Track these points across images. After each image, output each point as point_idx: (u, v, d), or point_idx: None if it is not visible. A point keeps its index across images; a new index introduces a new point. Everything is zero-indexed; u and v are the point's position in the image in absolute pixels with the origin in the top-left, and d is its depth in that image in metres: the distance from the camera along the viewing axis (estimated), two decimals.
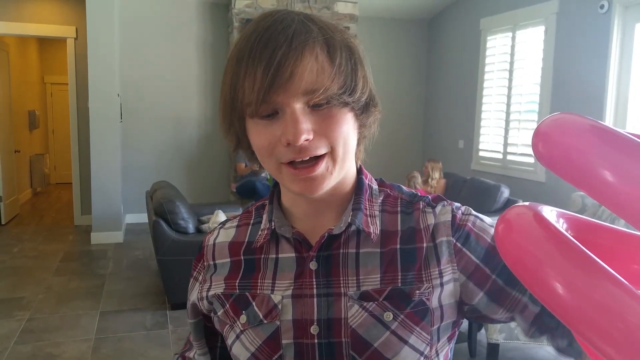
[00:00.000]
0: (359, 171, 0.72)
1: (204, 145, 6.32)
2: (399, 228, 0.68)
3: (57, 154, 9.29)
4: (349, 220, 0.66)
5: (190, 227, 3.65)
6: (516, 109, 5.34)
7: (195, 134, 6.29)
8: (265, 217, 0.73)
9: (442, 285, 0.65)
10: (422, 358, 0.64)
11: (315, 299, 0.66)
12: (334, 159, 0.61)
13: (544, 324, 0.65)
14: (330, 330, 0.65)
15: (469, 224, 0.67)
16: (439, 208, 0.69)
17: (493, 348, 2.62)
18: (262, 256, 0.71)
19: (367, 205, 0.69)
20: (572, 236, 0.24)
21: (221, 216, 3.82)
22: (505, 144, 5.48)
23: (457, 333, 0.71)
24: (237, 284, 0.71)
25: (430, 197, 0.72)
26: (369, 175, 0.74)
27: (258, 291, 0.69)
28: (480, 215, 0.69)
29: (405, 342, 0.63)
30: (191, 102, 6.23)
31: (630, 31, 4.20)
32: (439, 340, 0.66)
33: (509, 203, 4.45)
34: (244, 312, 0.69)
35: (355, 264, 0.67)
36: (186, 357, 0.84)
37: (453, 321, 0.68)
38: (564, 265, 0.22)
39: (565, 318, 0.22)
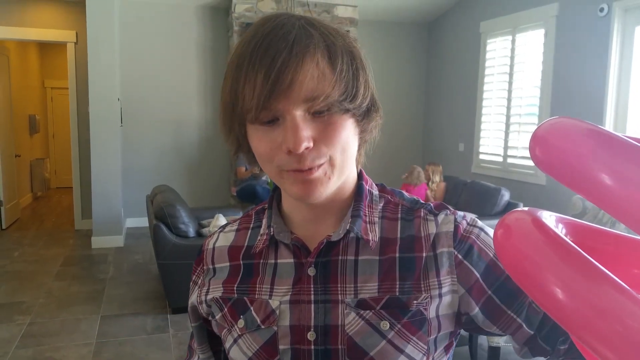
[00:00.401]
0: (359, 176, 0.71)
1: (204, 149, 6.33)
2: (399, 235, 0.68)
3: (58, 158, 9.29)
4: (348, 227, 0.66)
5: (191, 231, 3.65)
6: (516, 112, 5.35)
7: (195, 137, 6.29)
8: (264, 221, 0.72)
9: (440, 296, 0.65)
10: None
11: (312, 305, 0.66)
12: (332, 165, 0.61)
13: (536, 347, 0.65)
14: (327, 337, 0.65)
15: (473, 237, 0.66)
16: (441, 217, 0.68)
17: (494, 351, 2.61)
18: (261, 261, 0.71)
19: (367, 212, 0.69)
20: (571, 241, 0.24)
21: (221, 220, 3.82)
22: (506, 147, 5.48)
23: (455, 343, 0.71)
24: (235, 288, 0.71)
25: (432, 204, 0.71)
26: (369, 181, 0.73)
27: (256, 296, 0.69)
28: (486, 228, 0.68)
29: (402, 352, 0.63)
30: (191, 106, 6.24)
31: (630, 34, 4.21)
32: (435, 350, 0.66)
33: (509, 206, 4.45)
34: (241, 316, 0.69)
35: (354, 271, 0.66)
36: None
37: (450, 332, 0.68)
38: (564, 270, 0.22)
39: (566, 322, 0.22)
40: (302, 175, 0.60)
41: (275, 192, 0.74)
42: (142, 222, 5.91)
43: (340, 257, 0.67)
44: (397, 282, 0.65)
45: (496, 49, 5.63)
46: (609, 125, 4.37)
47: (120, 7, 5.68)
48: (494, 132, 5.69)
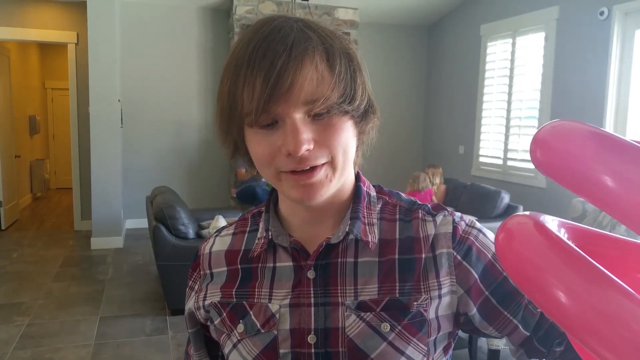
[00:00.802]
0: (357, 178, 0.71)
1: (204, 151, 6.33)
2: (397, 237, 0.68)
3: (58, 159, 9.30)
4: (347, 229, 0.66)
5: (191, 233, 3.64)
6: (516, 115, 5.35)
7: (195, 139, 6.29)
8: (261, 225, 0.72)
9: (440, 297, 0.65)
10: None
11: (312, 308, 0.65)
12: (333, 167, 0.61)
13: (532, 349, 0.65)
14: (327, 340, 0.64)
15: (472, 238, 0.66)
16: (440, 218, 0.68)
17: (494, 354, 2.60)
18: (260, 265, 0.70)
19: (365, 214, 0.68)
20: (574, 245, 0.24)
21: (221, 221, 3.81)
22: (506, 150, 5.48)
23: (453, 344, 0.71)
24: (234, 292, 0.71)
25: (430, 205, 0.71)
26: (367, 182, 0.73)
27: (255, 300, 0.68)
28: (484, 229, 0.68)
29: (402, 354, 0.63)
30: (192, 107, 6.24)
31: (630, 37, 4.21)
32: (435, 351, 0.66)
33: (509, 209, 4.45)
34: (241, 321, 0.68)
35: (353, 274, 0.66)
36: None
37: (449, 332, 0.68)
38: (568, 274, 0.22)
39: (569, 326, 0.22)
40: (303, 179, 0.59)
41: (272, 194, 0.74)
42: (142, 223, 5.90)
43: (339, 260, 0.67)
44: (397, 284, 0.65)
45: (496, 51, 5.63)
46: (609, 128, 4.37)
47: (121, 8, 5.69)
48: (494, 134, 5.70)
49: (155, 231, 3.47)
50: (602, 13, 4.33)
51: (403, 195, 0.74)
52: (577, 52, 4.62)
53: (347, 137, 0.61)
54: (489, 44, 5.74)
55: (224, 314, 0.70)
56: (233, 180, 5.82)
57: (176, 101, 6.14)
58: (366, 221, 0.68)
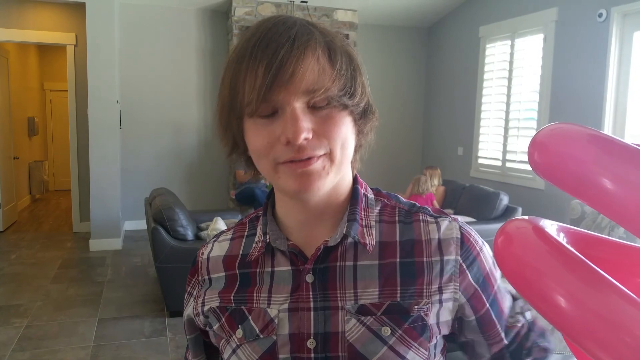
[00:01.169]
0: (354, 180, 0.71)
1: (203, 152, 6.32)
2: (398, 239, 0.67)
3: (56, 160, 9.28)
4: (344, 232, 0.65)
5: (189, 234, 3.64)
6: (515, 117, 5.35)
7: (194, 140, 6.29)
8: (259, 229, 0.71)
9: (441, 302, 0.65)
10: None
11: (312, 313, 0.65)
12: (331, 160, 0.60)
13: (503, 358, 0.69)
14: (327, 345, 0.64)
15: (477, 248, 0.67)
16: (444, 223, 0.68)
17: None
18: (258, 269, 0.70)
19: (363, 216, 0.68)
20: (573, 250, 0.23)
21: (220, 223, 3.81)
22: (505, 151, 5.49)
23: (446, 345, 0.71)
24: (232, 297, 0.70)
25: (430, 209, 0.71)
26: (364, 185, 0.72)
27: (254, 305, 0.68)
28: (483, 240, 0.70)
29: (403, 358, 0.62)
30: (191, 108, 6.23)
31: (628, 39, 4.22)
32: (435, 355, 0.66)
33: (508, 210, 4.45)
34: (240, 326, 0.68)
35: (353, 277, 0.65)
36: None
37: (444, 335, 0.68)
38: (567, 277, 0.22)
39: (568, 330, 0.22)
40: (300, 166, 0.59)
41: (270, 199, 0.74)
42: (141, 225, 5.89)
43: (338, 263, 0.66)
44: (399, 288, 0.64)
45: (495, 53, 5.64)
46: (607, 130, 4.37)
47: (119, 9, 5.69)
48: (493, 136, 5.70)
49: (154, 233, 3.46)
50: (600, 15, 4.34)
51: (402, 198, 0.74)
52: (575, 54, 4.62)
53: (346, 131, 0.61)
54: (487, 45, 5.74)
55: (223, 319, 0.70)
56: (232, 182, 5.82)
57: (175, 103, 6.14)
58: (364, 223, 0.67)
